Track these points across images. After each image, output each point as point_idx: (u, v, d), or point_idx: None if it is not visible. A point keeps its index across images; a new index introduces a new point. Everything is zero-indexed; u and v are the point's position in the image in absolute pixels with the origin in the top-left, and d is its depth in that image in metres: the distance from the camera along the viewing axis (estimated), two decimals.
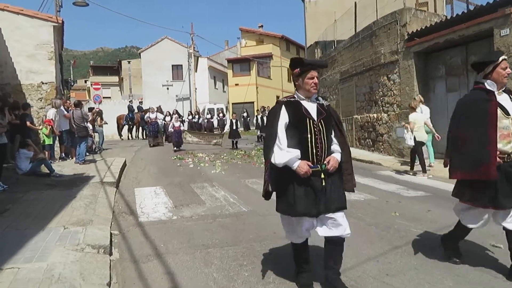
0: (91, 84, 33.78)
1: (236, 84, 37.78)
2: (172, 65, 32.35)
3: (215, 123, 26.53)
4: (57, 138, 11.63)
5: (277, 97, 40.43)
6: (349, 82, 15.46)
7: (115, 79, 48.04)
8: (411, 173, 9.29)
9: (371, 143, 13.53)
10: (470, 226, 3.61)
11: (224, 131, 18.70)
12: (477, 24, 8.92)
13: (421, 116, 9.18)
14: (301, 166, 2.91)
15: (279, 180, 3.10)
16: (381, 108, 12.85)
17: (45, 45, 12.61)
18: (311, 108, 3.09)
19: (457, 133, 3.61)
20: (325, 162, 3.00)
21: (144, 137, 21.63)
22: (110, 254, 4.20)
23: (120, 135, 23.71)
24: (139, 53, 34.73)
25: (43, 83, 12.55)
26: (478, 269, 3.56)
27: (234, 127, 16.34)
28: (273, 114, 3.13)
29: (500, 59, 3.41)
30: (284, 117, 3.05)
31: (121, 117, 23.37)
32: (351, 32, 15.96)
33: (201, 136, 16.66)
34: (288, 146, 2.98)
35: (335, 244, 3.09)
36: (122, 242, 4.72)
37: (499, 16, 8.36)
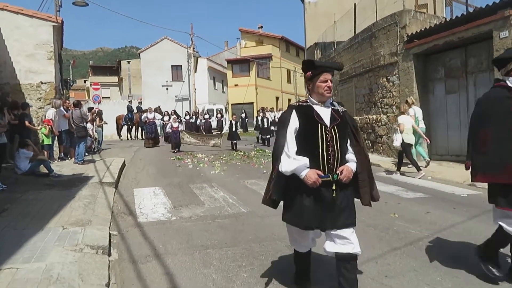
0: (91, 84, 33.76)
1: (236, 85, 37.79)
2: (172, 66, 32.35)
3: (214, 124, 26.53)
4: (56, 138, 11.62)
5: (277, 98, 40.68)
6: (349, 83, 15.48)
7: (114, 79, 48.07)
8: (398, 173, 9.46)
9: (370, 145, 13.53)
10: None
11: (223, 131, 18.64)
12: (477, 26, 8.93)
13: (410, 118, 9.42)
14: (309, 175, 2.70)
15: (288, 189, 2.90)
16: (381, 110, 12.86)
17: (45, 44, 12.60)
18: (324, 113, 2.86)
19: (478, 133, 3.38)
20: (337, 172, 2.76)
21: (143, 138, 21.60)
22: (109, 254, 4.20)
23: (119, 135, 23.69)
24: (139, 53, 34.74)
25: (42, 83, 12.53)
26: (478, 270, 3.55)
27: (234, 129, 16.20)
28: (283, 119, 2.95)
29: None
30: (294, 123, 2.85)
31: (120, 117, 23.35)
32: (350, 33, 15.98)
33: (199, 137, 16.54)
34: (298, 154, 2.78)
35: (344, 260, 2.79)
36: (121, 243, 4.71)
37: (498, 18, 8.38)
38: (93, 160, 11.45)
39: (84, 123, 11.38)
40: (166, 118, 19.59)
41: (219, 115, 27.93)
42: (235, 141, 15.88)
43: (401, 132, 9.08)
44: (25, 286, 3.17)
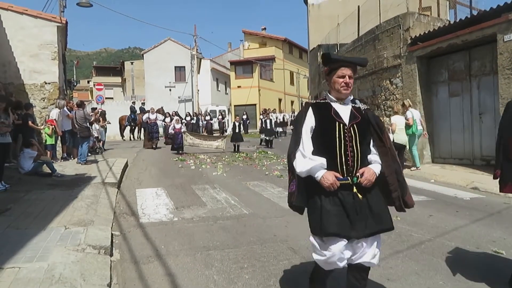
0: (94, 85, 33.95)
1: (239, 86, 37.85)
2: (175, 67, 32.43)
3: (215, 126, 26.55)
4: (59, 138, 11.66)
5: (279, 99, 40.69)
6: (353, 85, 15.44)
7: (118, 80, 48.19)
8: None
9: None
10: None
11: (227, 133, 18.54)
12: (480, 29, 8.91)
13: (402, 119, 9.64)
14: (326, 177, 2.49)
15: (307, 192, 2.67)
16: (384, 112, 12.83)
17: (49, 45, 12.67)
18: (343, 111, 2.66)
19: (508, 140, 3.19)
20: (357, 174, 2.55)
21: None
22: (111, 254, 4.20)
23: (122, 136, 23.76)
24: (142, 54, 34.84)
25: (46, 83, 12.59)
26: (480, 275, 3.54)
27: (237, 130, 16.05)
28: (299, 117, 2.74)
29: None
30: (310, 121, 2.65)
31: (123, 118, 23.44)
32: (354, 35, 15.97)
33: (202, 138, 16.39)
34: (314, 154, 2.57)
35: (358, 271, 2.65)
36: (123, 243, 4.72)
37: (502, 21, 8.35)
38: (96, 161, 11.47)
39: (87, 124, 11.41)
40: (167, 119, 19.58)
41: (220, 117, 27.94)
42: (238, 143, 15.76)
43: (393, 132, 9.23)
44: (27, 285, 3.17)
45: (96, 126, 15.13)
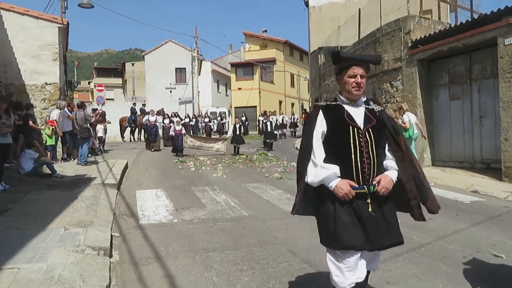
0: (95, 86, 33.98)
1: (239, 88, 37.87)
2: (176, 68, 32.44)
3: (214, 127, 26.52)
4: (60, 139, 11.66)
5: (280, 102, 40.71)
6: None
7: (118, 81, 48.24)
8: None
9: None
10: None
11: (228, 135, 18.50)
12: (481, 33, 8.92)
13: (398, 122, 9.66)
14: (340, 186, 2.31)
15: (319, 200, 2.47)
16: None
17: (50, 46, 12.68)
18: (357, 114, 2.46)
19: None
20: (374, 182, 2.38)
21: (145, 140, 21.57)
22: (110, 256, 4.20)
23: (122, 137, 23.77)
24: (143, 56, 34.86)
25: (47, 84, 12.60)
26: (479, 278, 3.54)
27: (238, 132, 15.89)
28: (309, 121, 2.54)
29: None
30: (321, 125, 2.45)
31: (124, 119, 23.46)
32: (354, 38, 15.98)
33: (203, 141, 16.24)
34: (326, 162, 2.38)
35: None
36: (123, 244, 4.72)
37: (503, 25, 8.36)
38: (96, 162, 11.47)
39: (88, 125, 11.42)
40: (166, 121, 19.50)
41: (219, 118, 27.93)
42: (238, 145, 15.60)
43: None
44: (26, 286, 3.17)
45: (101, 126, 15.19)
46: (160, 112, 20.74)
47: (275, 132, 19.40)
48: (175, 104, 30.03)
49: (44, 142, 11.10)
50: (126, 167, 11.03)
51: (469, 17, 12.13)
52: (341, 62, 2.48)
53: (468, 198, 7.20)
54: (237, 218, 5.90)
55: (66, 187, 7.60)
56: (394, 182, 2.42)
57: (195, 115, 26.90)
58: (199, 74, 32.75)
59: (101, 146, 15.33)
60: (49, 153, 10.91)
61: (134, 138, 23.51)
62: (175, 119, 18.29)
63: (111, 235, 4.85)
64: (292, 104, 42.92)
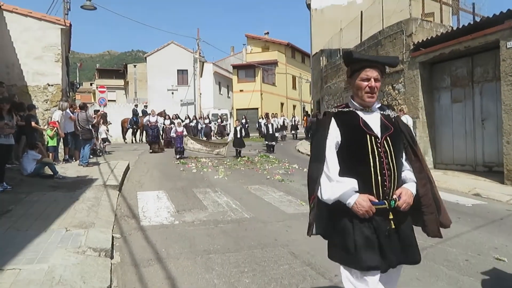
0: (97, 87, 34.00)
1: (241, 90, 37.91)
2: (178, 70, 32.52)
3: (215, 130, 26.50)
4: (62, 140, 11.68)
5: (282, 104, 40.71)
6: None
7: (120, 82, 48.35)
8: None
9: None
10: None
11: (228, 138, 18.40)
12: (483, 36, 8.91)
13: None
14: (360, 203, 2.09)
15: (332, 219, 2.24)
16: None
17: (52, 47, 12.72)
18: (372, 121, 2.24)
19: None
20: (394, 196, 2.16)
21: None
22: (111, 257, 4.20)
23: (124, 138, 23.80)
24: (145, 57, 34.98)
25: (49, 85, 12.64)
26: (481, 281, 3.52)
27: (239, 135, 15.47)
28: (320, 130, 2.30)
29: None
30: (334, 134, 2.22)
31: (126, 120, 23.49)
32: (356, 41, 16.00)
33: (204, 144, 16.01)
34: (341, 175, 2.16)
35: None
36: (124, 246, 4.72)
37: (505, 28, 8.35)
38: (98, 163, 11.49)
39: (90, 126, 11.44)
40: (167, 122, 19.47)
41: (219, 120, 27.92)
42: (240, 149, 15.27)
43: None
44: (27, 287, 3.17)
45: (104, 128, 15.22)
46: (162, 114, 20.76)
47: (276, 134, 19.34)
48: (176, 105, 30.09)
49: (46, 143, 11.13)
50: (127, 168, 11.04)
51: (471, 20, 12.12)
52: (353, 64, 2.25)
53: (470, 201, 7.18)
54: (239, 220, 5.89)
55: (68, 188, 7.61)
56: (414, 195, 2.22)
57: (195, 117, 26.89)
58: (201, 76, 32.81)
59: (104, 148, 15.34)
60: (50, 154, 10.94)
61: (135, 140, 23.54)
62: (176, 121, 18.25)
63: (112, 237, 4.85)
64: (294, 106, 42.94)
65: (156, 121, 17.17)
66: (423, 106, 11.03)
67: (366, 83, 2.20)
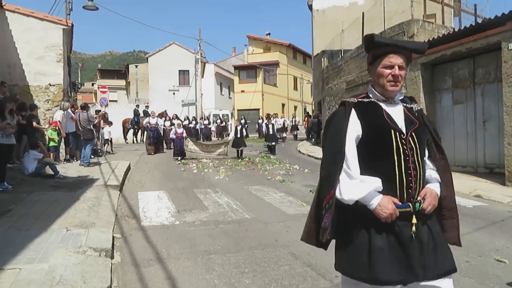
0: (98, 87, 34.01)
1: (242, 91, 37.94)
2: (179, 70, 32.58)
3: (214, 129, 26.46)
4: (63, 140, 11.70)
5: (283, 104, 40.71)
6: (355, 91, 15.45)
7: (122, 82, 48.40)
8: None
9: None
10: None
11: (229, 138, 18.37)
12: (485, 37, 8.90)
13: None
14: (384, 205, 1.83)
15: (344, 222, 1.95)
16: None
17: (54, 47, 12.74)
18: (396, 114, 2.00)
19: None
20: (419, 198, 1.92)
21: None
22: (112, 257, 4.20)
23: (125, 138, 23.83)
24: (147, 58, 35.04)
25: (50, 85, 12.66)
26: (482, 283, 3.51)
27: (239, 135, 15.38)
28: (336, 122, 2.02)
29: None
30: (354, 127, 1.96)
31: (127, 121, 23.53)
32: (358, 42, 15.98)
33: (204, 146, 15.74)
34: (362, 174, 1.92)
35: None
36: (124, 246, 4.72)
37: (507, 29, 8.34)
38: (99, 163, 11.50)
39: (91, 126, 11.45)
40: (167, 123, 19.39)
41: (218, 121, 27.89)
42: (240, 149, 15.17)
43: None
44: (28, 287, 3.17)
45: (107, 128, 15.22)
46: (163, 114, 20.74)
47: (277, 135, 19.32)
48: (178, 106, 30.12)
49: (47, 143, 11.15)
50: (128, 168, 11.05)
51: (473, 22, 12.13)
52: (375, 49, 1.99)
53: (471, 203, 7.16)
54: (239, 220, 5.89)
55: (69, 188, 7.62)
56: (439, 197, 1.99)
57: (194, 117, 26.81)
58: (202, 77, 32.86)
59: (106, 148, 15.37)
60: (52, 154, 10.95)
61: (136, 140, 23.56)
62: (176, 122, 18.20)
63: (113, 237, 4.85)
64: (295, 107, 42.94)
65: (156, 123, 16.80)
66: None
67: (389, 71, 1.95)
